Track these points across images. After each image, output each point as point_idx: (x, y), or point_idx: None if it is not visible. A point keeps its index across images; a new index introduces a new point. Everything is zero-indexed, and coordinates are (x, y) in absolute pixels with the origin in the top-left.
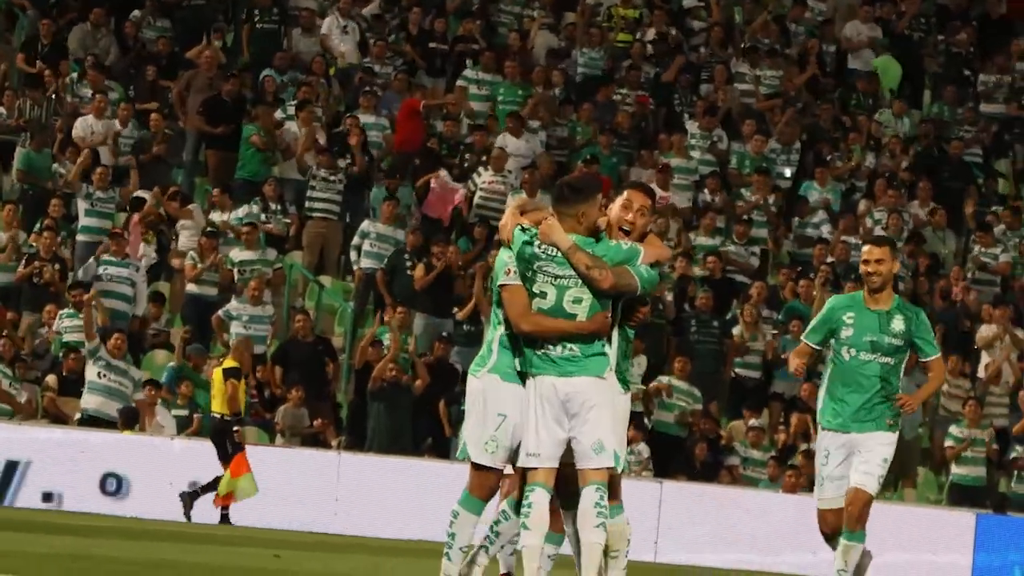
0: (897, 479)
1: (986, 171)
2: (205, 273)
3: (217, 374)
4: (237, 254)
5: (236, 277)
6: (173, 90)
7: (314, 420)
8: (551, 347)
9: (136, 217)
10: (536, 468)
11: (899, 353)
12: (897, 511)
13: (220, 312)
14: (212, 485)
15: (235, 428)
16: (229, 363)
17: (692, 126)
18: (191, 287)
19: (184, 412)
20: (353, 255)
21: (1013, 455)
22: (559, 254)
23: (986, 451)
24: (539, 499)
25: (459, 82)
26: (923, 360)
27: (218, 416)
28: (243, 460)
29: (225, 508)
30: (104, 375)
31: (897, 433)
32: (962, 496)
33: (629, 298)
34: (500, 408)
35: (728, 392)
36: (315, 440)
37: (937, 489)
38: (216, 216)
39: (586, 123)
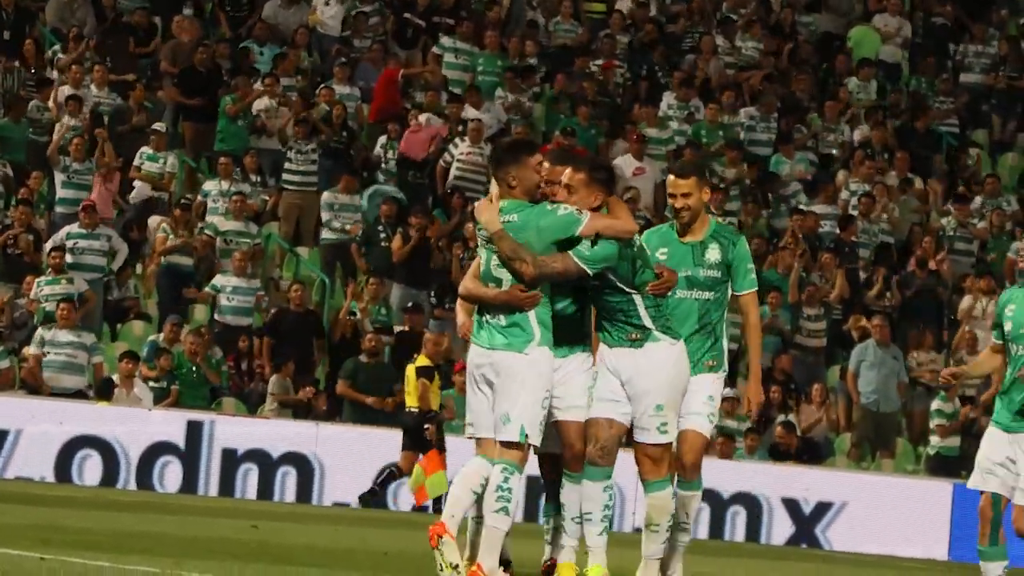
0: (875, 450)
1: (961, 141)
2: (180, 244)
3: (411, 371)
4: (222, 223)
5: (220, 247)
6: (159, 61)
7: (299, 390)
8: (486, 314)
9: (99, 177)
10: (476, 439)
11: (718, 286)
12: (875, 481)
13: (207, 288)
14: (387, 479)
15: (426, 425)
16: (422, 361)
17: (669, 97)
18: (167, 258)
19: (162, 384)
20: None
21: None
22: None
23: (967, 421)
24: (470, 464)
25: (434, 49)
26: (736, 294)
27: (412, 411)
28: (436, 458)
29: (422, 503)
30: (49, 352)
31: (723, 372)
32: (940, 466)
33: (643, 266)
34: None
35: None
36: (301, 411)
37: (915, 460)
38: (211, 186)
39: (557, 94)
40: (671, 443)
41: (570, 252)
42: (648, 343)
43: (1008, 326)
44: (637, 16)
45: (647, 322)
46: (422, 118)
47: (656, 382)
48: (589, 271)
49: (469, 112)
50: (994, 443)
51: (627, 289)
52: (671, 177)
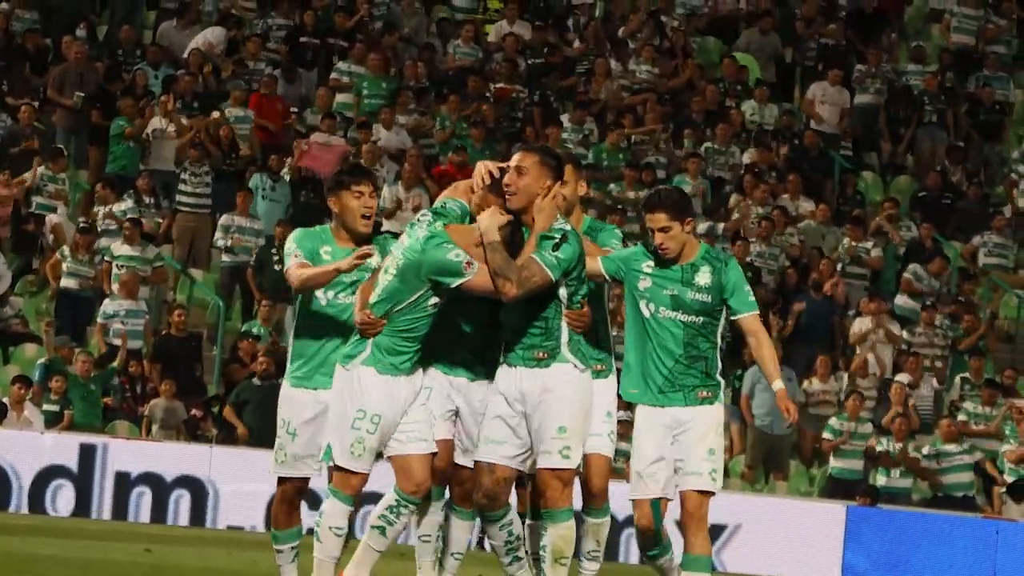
0: (767, 472)
1: (855, 164)
2: (79, 268)
3: None
4: (118, 248)
5: (114, 271)
6: (48, 83)
7: (190, 412)
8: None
9: None
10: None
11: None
12: (768, 503)
13: (99, 317)
14: None
15: None
16: None
17: (564, 120)
18: (64, 282)
19: (55, 408)
20: (218, 249)
21: (879, 448)
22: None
23: (865, 444)
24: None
25: (333, 74)
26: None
27: None
28: None
29: None
30: None
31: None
32: (837, 489)
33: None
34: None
35: None
36: (190, 434)
37: (808, 482)
38: (100, 209)
39: (453, 116)
40: (575, 469)
41: (535, 257)
42: (555, 364)
43: None
44: (534, 39)
45: (563, 339)
46: (319, 137)
47: (559, 403)
48: (553, 278)
49: (381, 133)
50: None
51: (560, 301)
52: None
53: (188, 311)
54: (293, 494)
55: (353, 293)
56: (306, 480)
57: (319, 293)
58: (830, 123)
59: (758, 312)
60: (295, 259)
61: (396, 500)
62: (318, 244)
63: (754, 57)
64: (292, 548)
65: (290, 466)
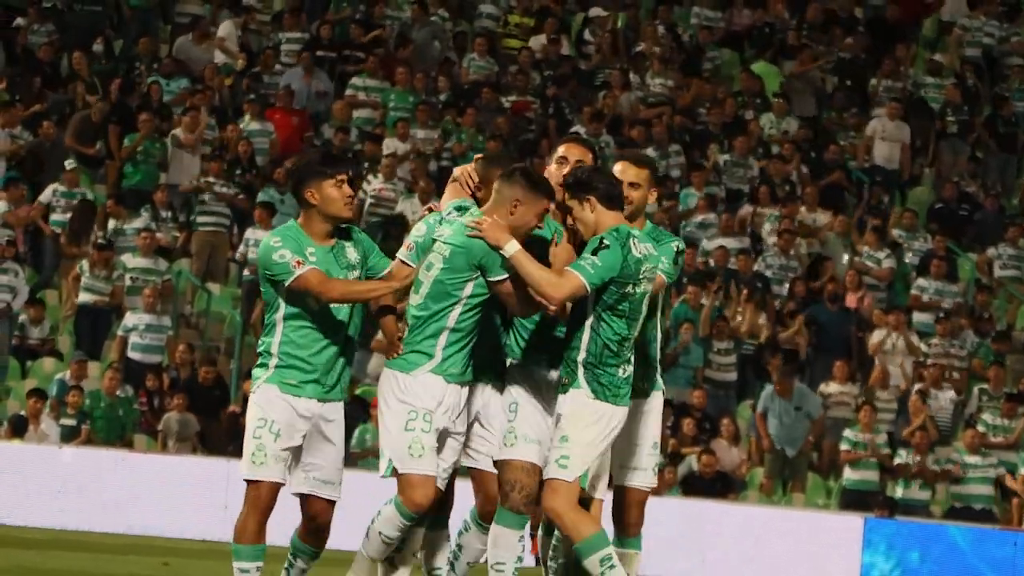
0: (785, 484)
1: (872, 177)
2: (95, 284)
3: None
4: (130, 260)
5: (128, 284)
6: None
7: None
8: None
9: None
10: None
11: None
12: (786, 515)
13: (119, 331)
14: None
15: None
16: None
17: (579, 132)
18: (82, 297)
19: (72, 422)
20: (237, 263)
21: (897, 460)
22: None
23: (878, 456)
24: None
25: (348, 91)
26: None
27: None
28: None
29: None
30: None
31: (659, 394)
32: (854, 500)
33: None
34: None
35: None
36: (205, 447)
37: (825, 494)
38: (113, 225)
39: (471, 128)
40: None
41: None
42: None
43: None
44: (549, 52)
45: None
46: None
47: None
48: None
49: (396, 145)
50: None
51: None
52: (623, 163)
53: (207, 324)
54: (268, 501)
55: None
56: (279, 488)
57: (309, 297)
58: (891, 159)
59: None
60: (303, 266)
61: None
62: (303, 245)
63: (796, 89)
64: (258, 569)
65: (269, 468)
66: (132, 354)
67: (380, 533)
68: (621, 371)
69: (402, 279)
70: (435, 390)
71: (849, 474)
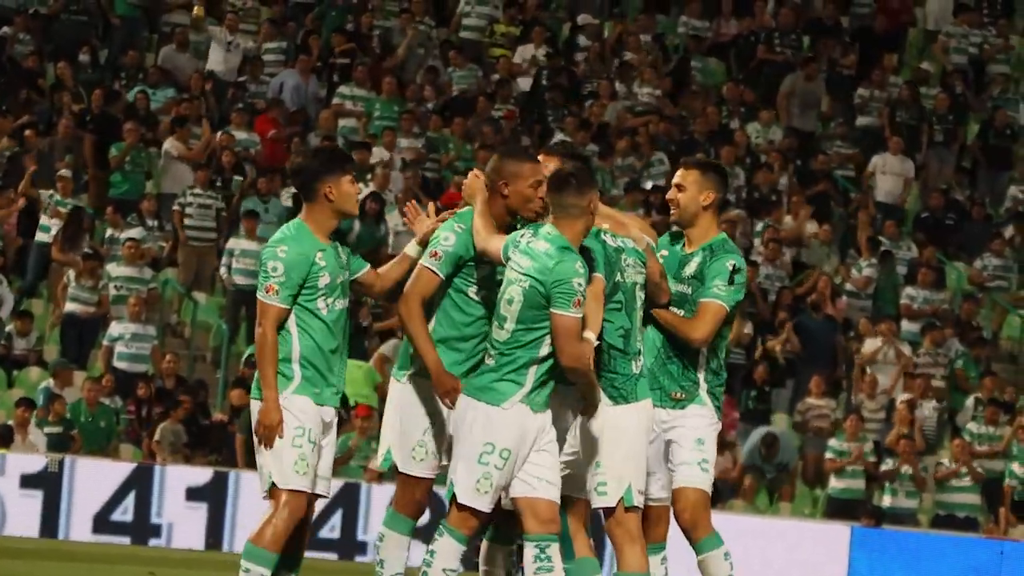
0: (772, 493)
1: (858, 185)
2: (82, 294)
3: None
4: (115, 269)
5: (112, 294)
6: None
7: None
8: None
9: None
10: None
11: (687, 303)
12: (773, 525)
13: (104, 341)
14: None
15: None
16: None
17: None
18: (69, 306)
19: (58, 429)
20: (223, 272)
21: (883, 467)
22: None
23: (864, 464)
24: None
25: (335, 99)
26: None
27: None
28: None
29: None
30: None
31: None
32: (840, 510)
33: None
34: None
35: None
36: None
37: (812, 503)
38: (110, 233)
39: (459, 138)
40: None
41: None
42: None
43: None
44: (537, 61)
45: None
46: None
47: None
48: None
49: (384, 154)
50: None
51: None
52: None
53: (193, 334)
54: (303, 512)
55: (344, 296)
56: (315, 499)
57: (320, 301)
58: (892, 194)
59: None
60: (273, 295)
61: (537, 545)
62: (313, 249)
63: (794, 104)
64: None
65: (309, 477)
66: (118, 363)
67: (443, 570)
68: (634, 366)
69: (431, 290)
70: (522, 422)
71: (835, 483)
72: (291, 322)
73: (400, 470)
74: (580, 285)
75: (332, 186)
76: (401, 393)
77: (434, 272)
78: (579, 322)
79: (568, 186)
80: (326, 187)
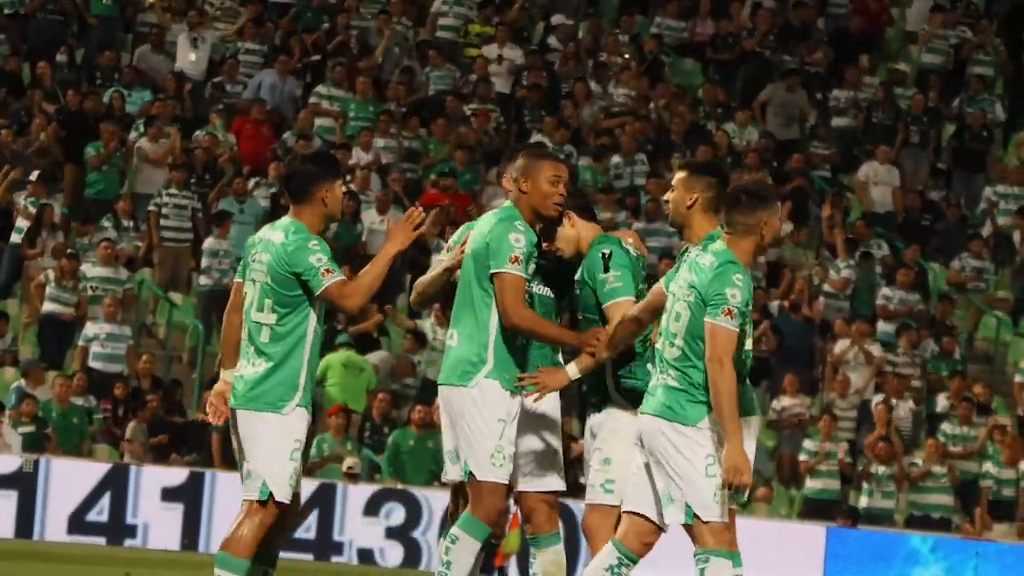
0: (749, 494)
1: (834, 186)
2: (61, 295)
3: None
4: (90, 270)
5: (88, 292)
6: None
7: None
8: None
9: None
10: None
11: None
12: (748, 525)
13: (80, 341)
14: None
15: None
16: None
17: (544, 142)
18: (47, 306)
19: (31, 428)
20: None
21: (860, 467)
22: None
23: (839, 465)
24: None
25: (311, 99)
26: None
27: None
28: (516, 516)
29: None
30: None
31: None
32: (815, 510)
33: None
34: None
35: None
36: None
37: (788, 503)
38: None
39: (439, 139)
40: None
41: (614, 297)
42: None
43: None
44: (512, 61)
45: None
46: None
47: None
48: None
49: (360, 155)
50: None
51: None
52: None
53: (168, 335)
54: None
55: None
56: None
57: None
58: (883, 205)
59: (621, 300)
60: (334, 274)
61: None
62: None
63: (776, 114)
64: None
65: (293, 489)
66: (93, 364)
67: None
68: (651, 368)
69: (524, 291)
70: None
71: (811, 484)
72: (308, 324)
73: (479, 478)
74: (734, 297)
75: (328, 191)
76: (472, 401)
77: (523, 277)
78: (731, 333)
79: (738, 204)
80: (323, 191)
